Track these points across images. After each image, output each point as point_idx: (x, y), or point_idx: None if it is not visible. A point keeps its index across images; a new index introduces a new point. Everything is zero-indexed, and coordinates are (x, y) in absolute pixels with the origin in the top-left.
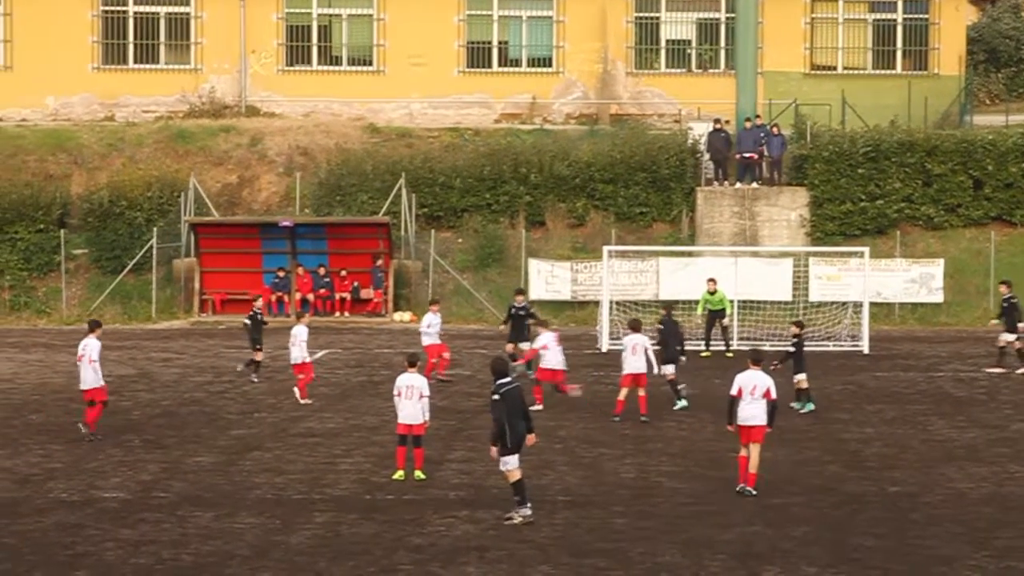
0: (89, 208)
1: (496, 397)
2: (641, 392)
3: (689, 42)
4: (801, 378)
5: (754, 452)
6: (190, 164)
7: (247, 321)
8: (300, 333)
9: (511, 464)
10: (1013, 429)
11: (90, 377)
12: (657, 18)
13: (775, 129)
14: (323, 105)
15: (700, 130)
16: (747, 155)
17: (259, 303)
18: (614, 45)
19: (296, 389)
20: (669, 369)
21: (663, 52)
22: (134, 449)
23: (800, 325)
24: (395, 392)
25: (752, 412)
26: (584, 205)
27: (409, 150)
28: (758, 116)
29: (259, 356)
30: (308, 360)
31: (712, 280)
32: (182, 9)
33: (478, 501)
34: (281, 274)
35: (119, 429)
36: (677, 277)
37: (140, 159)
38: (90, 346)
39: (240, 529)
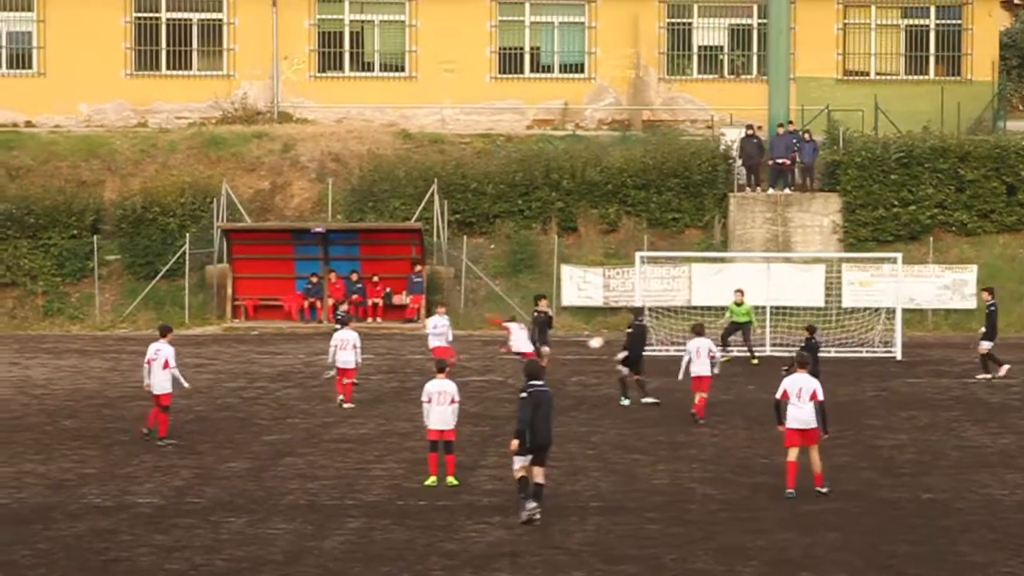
0: (122, 214)
1: (524, 395)
2: (703, 395)
3: (721, 48)
4: None
5: (814, 454)
6: (222, 170)
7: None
8: (353, 338)
9: (517, 462)
10: None
11: (162, 382)
12: (689, 24)
13: (807, 135)
14: (355, 111)
15: (732, 136)
16: (779, 161)
17: (343, 308)
18: (646, 51)
19: (341, 396)
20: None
21: (695, 58)
22: (167, 455)
23: (811, 329)
24: (425, 398)
25: (805, 416)
26: (616, 211)
27: (441, 156)
28: (790, 122)
29: None
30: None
31: (739, 291)
32: (215, 15)
33: (511, 507)
34: (314, 280)
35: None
36: (709, 283)
37: (173, 165)
38: (163, 351)
39: (273, 535)
